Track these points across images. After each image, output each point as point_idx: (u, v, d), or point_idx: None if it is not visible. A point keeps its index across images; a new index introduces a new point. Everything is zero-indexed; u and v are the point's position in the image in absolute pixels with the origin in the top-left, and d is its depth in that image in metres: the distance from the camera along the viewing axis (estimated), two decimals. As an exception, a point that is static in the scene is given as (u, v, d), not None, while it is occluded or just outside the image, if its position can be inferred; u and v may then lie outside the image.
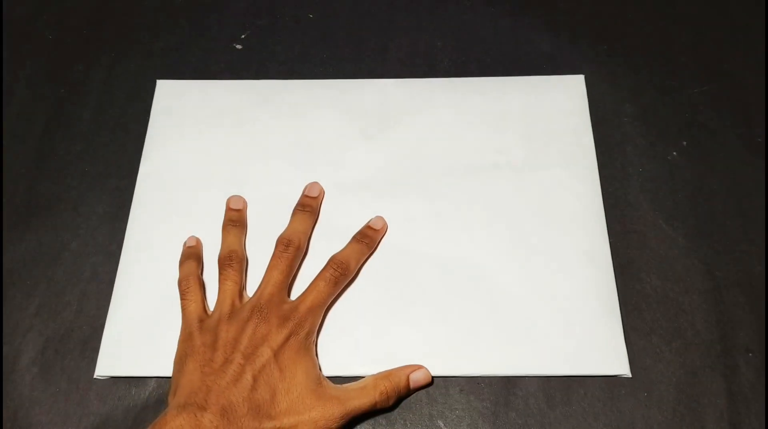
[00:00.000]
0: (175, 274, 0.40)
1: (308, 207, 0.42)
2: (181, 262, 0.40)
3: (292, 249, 0.39)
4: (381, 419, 0.37)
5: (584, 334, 0.38)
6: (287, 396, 0.33)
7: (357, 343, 0.38)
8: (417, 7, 0.53)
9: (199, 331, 0.36)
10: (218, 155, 0.45)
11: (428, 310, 0.39)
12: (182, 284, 0.39)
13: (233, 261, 0.39)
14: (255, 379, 0.33)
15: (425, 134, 0.46)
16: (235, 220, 0.42)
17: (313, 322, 0.37)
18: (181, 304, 0.38)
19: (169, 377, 0.37)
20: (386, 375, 0.36)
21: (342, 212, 0.43)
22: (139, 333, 0.39)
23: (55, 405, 0.38)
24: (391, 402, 0.36)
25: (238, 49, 0.52)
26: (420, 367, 0.37)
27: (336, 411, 0.34)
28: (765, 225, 0.42)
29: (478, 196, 0.43)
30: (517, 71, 0.49)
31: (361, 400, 0.35)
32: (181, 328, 0.37)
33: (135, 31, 0.53)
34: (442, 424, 0.37)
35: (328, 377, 0.37)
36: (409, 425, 0.37)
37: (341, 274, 0.38)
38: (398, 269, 0.41)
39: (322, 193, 0.43)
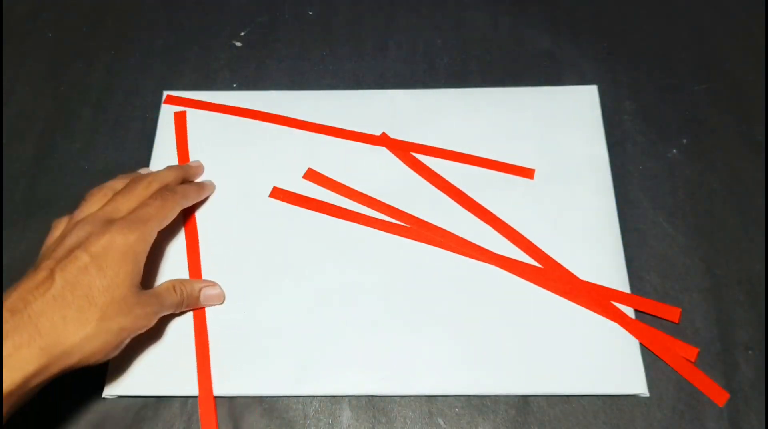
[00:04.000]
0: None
1: (182, 166, 0.44)
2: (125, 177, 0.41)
3: (144, 184, 0.39)
4: (381, 417, 0.37)
5: (601, 352, 0.38)
6: (106, 294, 0.33)
7: (368, 360, 0.38)
8: (417, 5, 0.53)
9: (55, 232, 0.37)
10: (225, 167, 0.45)
11: (441, 328, 0.39)
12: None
13: (106, 190, 0.39)
14: (66, 280, 0.33)
15: (436, 145, 0.45)
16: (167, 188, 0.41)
17: (139, 231, 0.36)
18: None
19: (178, 396, 0.37)
20: (184, 280, 0.39)
21: (352, 225, 0.42)
22: (146, 352, 0.39)
23: (55, 403, 0.38)
24: (183, 306, 0.39)
25: (238, 47, 0.52)
26: (213, 283, 0.40)
27: (153, 307, 0.36)
28: (765, 223, 0.42)
29: (490, 208, 0.43)
30: (517, 69, 0.49)
31: (170, 299, 0.37)
32: None
33: (135, 29, 0.53)
34: (441, 422, 0.37)
35: (339, 396, 0.37)
36: (409, 423, 0.37)
37: (169, 194, 0.39)
38: (410, 285, 0.40)
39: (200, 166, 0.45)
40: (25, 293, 0.32)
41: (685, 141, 0.46)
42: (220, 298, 0.40)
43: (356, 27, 0.52)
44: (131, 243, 0.35)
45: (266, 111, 0.47)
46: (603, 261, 0.41)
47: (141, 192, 0.39)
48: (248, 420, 0.37)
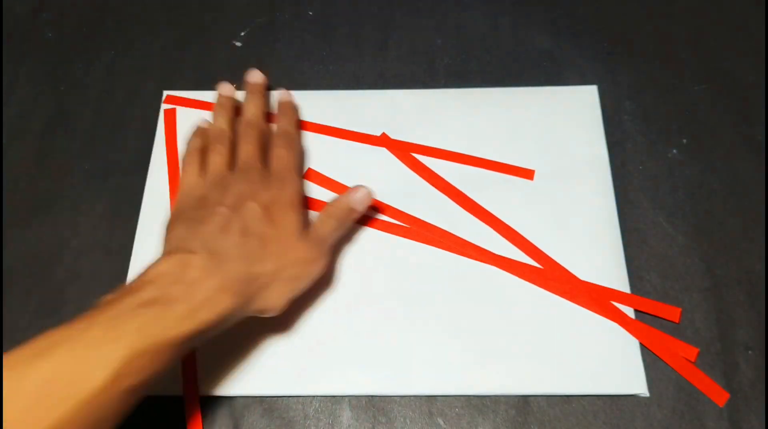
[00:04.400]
0: None
1: (256, 91, 0.45)
2: (216, 113, 0.43)
3: (253, 127, 0.41)
4: (381, 417, 0.37)
5: (601, 352, 0.38)
6: (277, 242, 0.35)
7: (368, 360, 0.38)
8: (417, 4, 0.53)
9: (188, 197, 0.38)
10: None
11: (441, 328, 0.39)
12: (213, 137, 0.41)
13: (223, 137, 0.41)
14: (243, 228, 0.34)
15: (436, 145, 0.45)
16: (251, 92, 0.44)
17: (293, 180, 0.38)
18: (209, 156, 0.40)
19: (176, 396, 0.37)
20: (329, 204, 0.39)
21: (353, 225, 0.42)
22: None
23: (55, 403, 0.38)
24: (344, 225, 0.39)
25: (237, 47, 0.52)
26: (357, 187, 0.40)
27: (321, 247, 0.36)
28: (765, 223, 0.42)
29: (490, 208, 0.43)
30: (517, 69, 0.49)
31: (326, 228, 0.38)
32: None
33: (135, 29, 0.53)
34: (441, 422, 0.37)
35: (339, 396, 0.37)
36: (409, 423, 0.37)
37: (289, 138, 0.42)
38: (410, 285, 0.40)
39: (264, 78, 0.46)
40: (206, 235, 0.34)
41: (685, 141, 0.46)
42: (370, 196, 0.40)
43: (356, 27, 0.52)
44: (291, 194, 0.37)
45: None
46: (603, 261, 0.41)
47: (257, 140, 0.41)
48: (248, 420, 0.37)
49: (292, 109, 0.45)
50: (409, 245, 0.42)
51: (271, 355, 0.38)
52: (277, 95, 0.46)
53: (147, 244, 0.42)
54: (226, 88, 0.46)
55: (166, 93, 0.49)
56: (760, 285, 0.40)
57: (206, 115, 0.47)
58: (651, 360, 0.38)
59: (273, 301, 0.34)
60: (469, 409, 0.37)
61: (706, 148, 0.46)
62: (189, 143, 0.42)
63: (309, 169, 0.44)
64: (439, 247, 0.41)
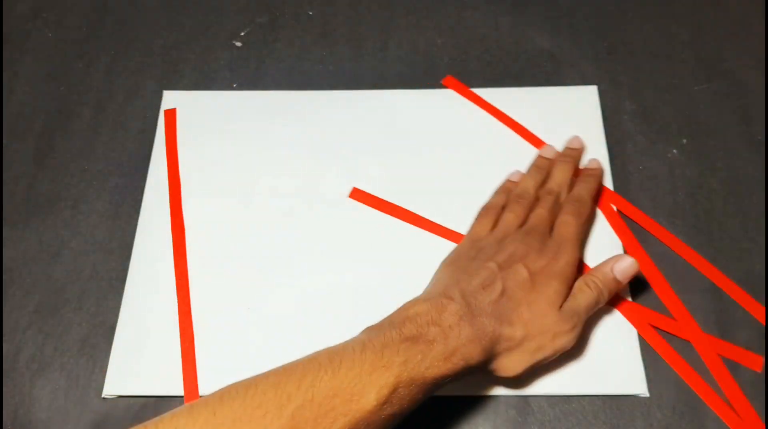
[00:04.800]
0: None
1: (569, 158, 0.43)
2: (529, 173, 0.43)
3: (553, 195, 0.41)
4: (381, 417, 0.37)
5: (601, 352, 0.38)
6: (530, 308, 0.34)
7: None
8: (417, 4, 0.53)
9: (469, 246, 0.38)
10: (226, 166, 0.45)
11: None
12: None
13: (523, 199, 0.40)
14: (504, 288, 0.34)
15: (434, 146, 0.45)
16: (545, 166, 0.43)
17: (570, 250, 0.37)
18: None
19: (178, 396, 0.37)
20: (590, 272, 0.37)
21: (351, 225, 0.42)
22: (146, 352, 0.38)
23: (55, 402, 0.38)
24: (606, 296, 0.37)
25: (237, 47, 0.52)
26: (621, 256, 0.38)
27: (573, 321, 0.35)
28: (765, 223, 0.42)
29: None
30: (517, 69, 0.49)
31: (586, 299, 0.36)
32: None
33: (134, 29, 0.53)
34: (442, 422, 0.37)
35: None
36: (409, 423, 0.37)
37: (580, 206, 0.40)
38: (407, 284, 0.39)
39: (583, 146, 0.44)
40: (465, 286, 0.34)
41: (685, 141, 0.46)
42: (635, 266, 0.37)
43: (356, 27, 0.52)
44: (562, 265, 0.36)
45: (265, 111, 0.47)
46: (601, 260, 0.41)
47: (552, 206, 0.40)
48: (248, 420, 0.37)
49: (595, 178, 0.42)
50: (409, 245, 0.42)
51: (271, 355, 0.38)
52: (588, 161, 0.44)
53: (147, 244, 0.42)
54: (575, 142, 0.44)
55: (166, 93, 0.49)
56: (761, 285, 0.40)
57: (206, 115, 0.47)
58: (651, 360, 0.38)
59: (513, 365, 0.34)
60: (469, 409, 0.37)
61: (706, 148, 0.46)
62: (491, 199, 0.42)
63: (354, 188, 0.44)
64: (439, 236, 0.42)
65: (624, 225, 0.42)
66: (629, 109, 0.47)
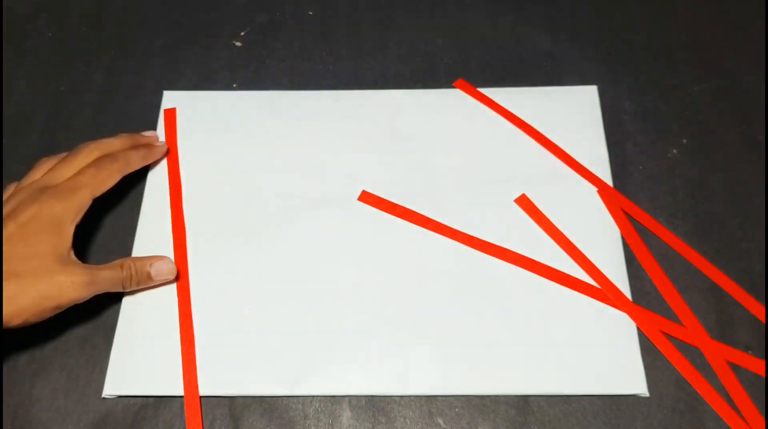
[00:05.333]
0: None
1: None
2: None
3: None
4: (381, 417, 0.37)
5: (601, 352, 0.38)
6: (27, 262, 0.34)
7: (368, 362, 0.38)
8: (417, 4, 0.53)
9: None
10: (227, 167, 0.45)
11: (441, 328, 0.39)
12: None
13: (54, 158, 0.40)
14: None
15: (437, 146, 0.45)
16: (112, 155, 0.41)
17: (68, 201, 0.37)
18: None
19: (178, 396, 0.37)
20: (134, 258, 0.39)
21: (353, 226, 0.42)
22: (146, 352, 0.38)
23: (55, 402, 0.38)
24: (133, 284, 0.38)
25: (237, 47, 0.52)
26: (163, 258, 0.39)
27: (83, 277, 0.35)
28: (765, 223, 0.42)
29: (490, 209, 0.43)
30: (517, 69, 0.49)
31: (109, 272, 0.37)
32: None
33: (135, 29, 0.53)
34: (441, 422, 0.37)
35: (339, 396, 0.37)
36: (408, 423, 0.37)
37: (107, 161, 0.40)
38: (410, 285, 0.40)
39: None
40: None
41: (685, 141, 0.46)
42: (172, 273, 0.40)
43: (356, 27, 0.52)
44: (57, 212, 0.36)
45: (266, 111, 0.47)
46: (603, 261, 0.41)
47: (82, 160, 0.40)
48: (248, 420, 0.37)
49: (136, 136, 0.44)
50: (409, 245, 0.42)
51: (271, 355, 0.38)
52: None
53: (147, 244, 0.42)
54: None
55: (166, 93, 0.49)
56: (761, 285, 0.40)
57: (206, 115, 0.47)
58: (651, 360, 0.38)
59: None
60: (469, 409, 0.37)
61: (706, 148, 0.46)
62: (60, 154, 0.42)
63: (363, 191, 0.44)
64: (440, 234, 0.42)
65: (629, 223, 0.42)
66: (629, 109, 0.47)
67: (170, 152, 0.46)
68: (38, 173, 0.40)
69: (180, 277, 0.41)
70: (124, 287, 0.38)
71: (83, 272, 0.36)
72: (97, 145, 0.41)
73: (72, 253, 0.37)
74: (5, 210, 0.37)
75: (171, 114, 0.48)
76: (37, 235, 0.35)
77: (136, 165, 0.42)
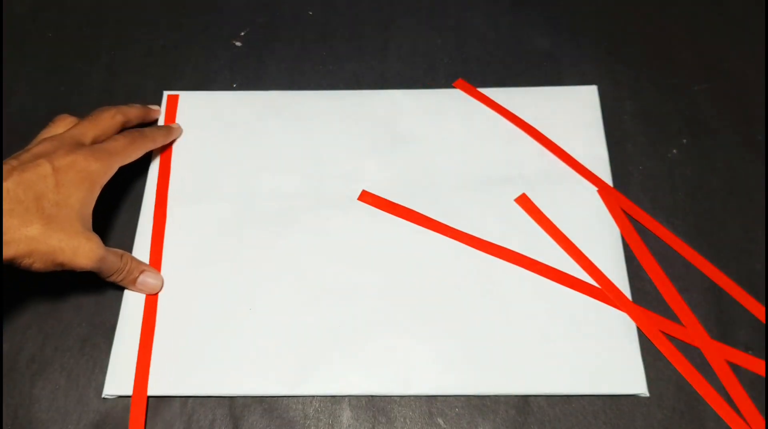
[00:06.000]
0: (184, 288, 0.40)
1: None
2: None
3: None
4: (381, 417, 0.37)
5: (601, 352, 0.38)
6: (56, 208, 0.35)
7: (368, 362, 0.38)
8: (417, 5, 0.53)
9: None
10: (227, 167, 0.45)
11: (441, 328, 0.39)
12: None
13: (72, 118, 0.41)
14: (22, 179, 0.34)
15: (437, 146, 0.45)
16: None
17: (103, 162, 0.38)
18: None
19: (178, 396, 0.37)
20: (134, 258, 0.40)
21: (353, 226, 0.42)
22: (146, 352, 0.38)
23: (55, 402, 0.38)
24: (118, 277, 0.38)
25: (237, 47, 0.52)
26: (156, 273, 0.40)
27: (98, 251, 0.36)
28: (765, 223, 0.42)
29: (490, 209, 0.43)
30: (517, 69, 0.49)
31: (113, 256, 0.37)
32: None
33: (135, 29, 0.53)
34: (441, 422, 0.37)
35: (339, 396, 0.37)
36: (409, 423, 0.37)
37: (137, 134, 0.42)
38: (410, 285, 0.40)
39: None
40: None
41: (685, 141, 0.46)
42: (155, 290, 0.40)
43: (356, 27, 0.52)
44: (93, 170, 0.37)
45: (266, 111, 0.47)
46: (603, 261, 0.41)
47: (107, 122, 0.41)
48: (248, 420, 0.37)
49: (147, 109, 0.46)
50: (409, 245, 0.42)
51: (271, 355, 0.38)
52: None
53: (147, 244, 0.42)
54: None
55: (166, 93, 0.49)
56: (761, 285, 0.40)
57: (206, 115, 0.47)
58: (651, 360, 0.38)
59: None
60: (469, 409, 0.37)
61: (706, 148, 0.46)
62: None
63: (363, 191, 0.44)
64: (439, 233, 0.42)
65: (629, 223, 0.42)
66: (629, 109, 0.47)
67: (166, 152, 0.46)
68: (60, 128, 0.40)
69: (180, 276, 0.41)
70: (110, 276, 0.38)
71: (100, 245, 0.36)
72: (117, 110, 0.42)
73: (91, 221, 0.37)
74: (37, 150, 0.36)
75: (173, 100, 0.48)
76: (70, 185, 0.35)
77: (159, 142, 0.44)
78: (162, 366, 0.38)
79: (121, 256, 0.39)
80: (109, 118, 0.41)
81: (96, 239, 0.36)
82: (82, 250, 0.35)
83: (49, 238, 0.34)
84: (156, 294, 0.40)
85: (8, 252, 0.33)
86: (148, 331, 0.39)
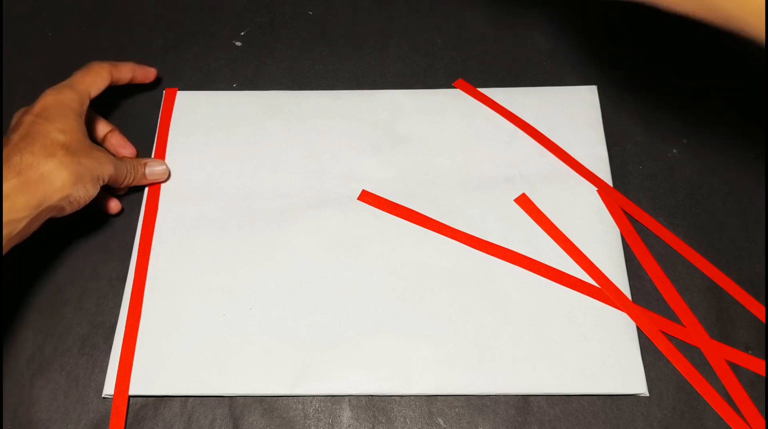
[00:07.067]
0: (184, 288, 0.40)
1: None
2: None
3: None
4: (381, 417, 0.37)
5: (601, 352, 0.38)
6: (64, 133, 0.37)
7: (369, 361, 0.38)
8: (417, 4, 0.53)
9: None
10: (227, 167, 0.45)
11: (441, 328, 0.39)
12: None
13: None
14: (21, 134, 0.37)
15: (436, 146, 0.45)
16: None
17: (68, 89, 0.40)
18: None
19: (178, 396, 0.37)
20: (131, 159, 0.43)
21: (353, 226, 0.42)
22: (146, 352, 0.38)
23: (55, 402, 0.38)
24: (129, 179, 0.42)
25: (237, 46, 0.52)
26: (156, 160, 0.44)
27: (108, 160, 0.39)
28: (765, 223, 0.42)
29: (490, 209, 0.43)
30: (517, 69, 0.49)
31: (118, 164, 0.40)
32: None
33: (134, 29, 0.53)
34: (441, 422, 0.37)
35: (339, 396, 0.38)
36: (409, 423, 0.37)
37: (95, 64, 0.44)
38: (410, 284, 0.40)
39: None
40: None
41: (685, 141, 0.46)
42: (164, 175, 0.44)
43: (356, 27, 0.52)
44: (62, 99, 0.39)
45: (266, 111, 0.47)
46: (603, 261, 0.41)
47: (95, 69, 0.44)
48: (248, 420, 0.37)
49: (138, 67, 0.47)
50: (408, 245, 0.42)
51: (271, 355, 0.38)
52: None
53: (147, 247, 0.42)
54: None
55: (166, 93, 0.49)
56: (760, 284, 0.40)
57: (206, 115, 0.47)
58: (651, 360, 0.38)
59: None
60: (469, 409, 0.37)
61: (706, 148, 0.46)
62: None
63: (363, 190, 0.44)
64: (438, 233, 0.42)
65: (629, 223, 0.42)
66: (629, 109, 0.47)
67: (160, 138, 0.46)
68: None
69: (180, 276, 0.41)
70: (123, 182, 0.41)
71: (106, 154, 0.40)
72: (110, 63, 0.45)
73: (89, 140, 0.39)
74: (20, 111, 0.40)
75: (171, 95, 0.48)
76: (56, 116, 0.38)
77: (124, 74, 0.46)
78: (162, 366, 0.38)
79: (121, 159, 0.42)
80: (97, 66, 0.44)
81: (103, 151, 0.39)
82: (104, 163, 0.39)
83: (77, 160, 0.37)
84: (165, 181, 0.44)
85: (65, 190, 0.36)
86: (186, 332, 0.39)
